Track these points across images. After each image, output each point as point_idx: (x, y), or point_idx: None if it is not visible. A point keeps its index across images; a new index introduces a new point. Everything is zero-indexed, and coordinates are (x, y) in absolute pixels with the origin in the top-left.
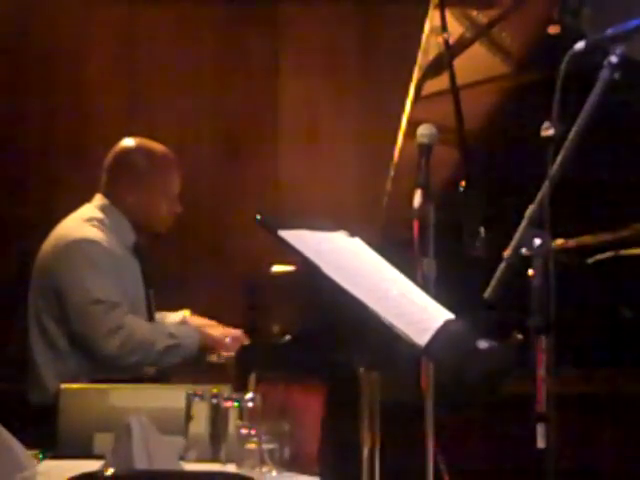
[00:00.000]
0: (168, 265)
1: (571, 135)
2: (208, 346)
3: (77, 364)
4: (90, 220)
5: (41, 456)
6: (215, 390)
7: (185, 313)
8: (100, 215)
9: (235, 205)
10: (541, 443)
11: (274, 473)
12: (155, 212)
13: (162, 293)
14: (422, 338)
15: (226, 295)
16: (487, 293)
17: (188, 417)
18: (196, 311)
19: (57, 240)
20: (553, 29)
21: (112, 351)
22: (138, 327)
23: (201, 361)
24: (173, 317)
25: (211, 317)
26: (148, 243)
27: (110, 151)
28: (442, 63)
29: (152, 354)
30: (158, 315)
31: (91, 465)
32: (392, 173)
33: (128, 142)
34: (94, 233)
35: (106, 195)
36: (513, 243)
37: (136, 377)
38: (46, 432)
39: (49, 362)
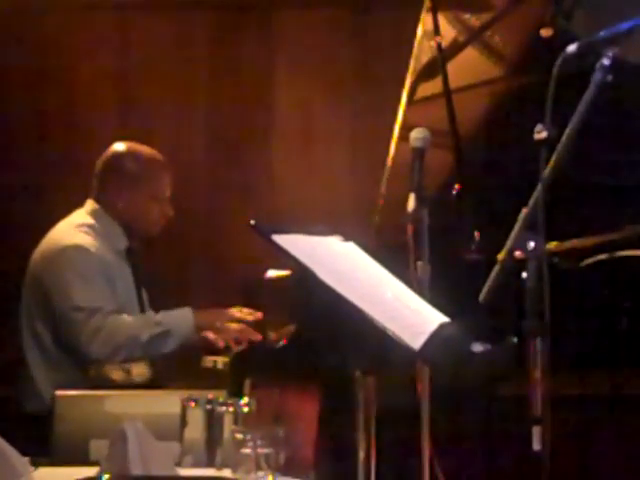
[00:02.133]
0: (163, 270)
1: (564, 137)
2: (205, 326)
3: (69, 370)
4: (80, 226)
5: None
6: (210, 396)
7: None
8: (90, 221)
9: (230, 209)
10: (537, 445)
11: (269, 478)
12: (146, 215)
13: (158, 298)
14: (416, 342)
15: (222, 300)
16: (482, 296)
17: (183, 423)
18: None
19: (47, 246)
20: (546, 32)
21: (95, 354)
22: (119, 325)
23: (196, 367)
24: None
25: None
26: (142, 247)
27: (100, 156)
28: (435, 67)
29: (138, 347)
30: None
31: (87, 472)
32: (386, 177)
33: (116, 146)
34: (83, 239)
35: (97, 200)
36: (507, 246)
37: (129, 383)
38: (41, 439)
39: (42, 368)
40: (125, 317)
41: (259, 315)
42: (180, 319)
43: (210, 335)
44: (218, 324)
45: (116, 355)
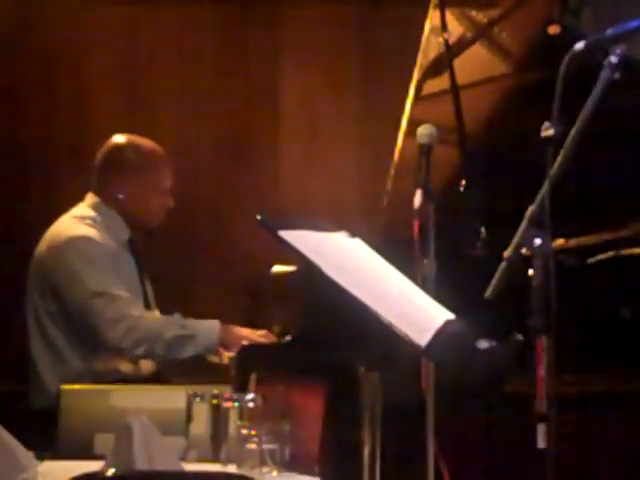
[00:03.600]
0: (169, 265)
1: (571, 135)
2: (229, 342)
3: (76, 364)
4: (83, 218)
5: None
6: (216, 391)
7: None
8: (92, 213)
9: (236, 205)
10: (541, 443)
11: (274, 473)
12: (146, 207)
13: (164, 293)
14: (422, 338)
15: (227, 295)
16: (487, 293)
17: (189, 418)
18: (197, 312)
19: (51, 240)
20: (553, 29)
21: (116, 342)
22: (144, 318)
23: (201, 362)
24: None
25: (212, 317)
26: (144, 239)
27: (99, 149)
28: (442, 63)
29: (160, 344)
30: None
31: (92, 466)
32: (392, 173)
33: (116, 139)
34: (87, 230)
35: (97, 193)
36: (513, 243)
37: (135, 378)
38: (47, 433)
39: (49, 363)
40: (152, 313)
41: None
42: (207, 328)
43: (214, 358)
44: (244, 343)
45: (137, 348)
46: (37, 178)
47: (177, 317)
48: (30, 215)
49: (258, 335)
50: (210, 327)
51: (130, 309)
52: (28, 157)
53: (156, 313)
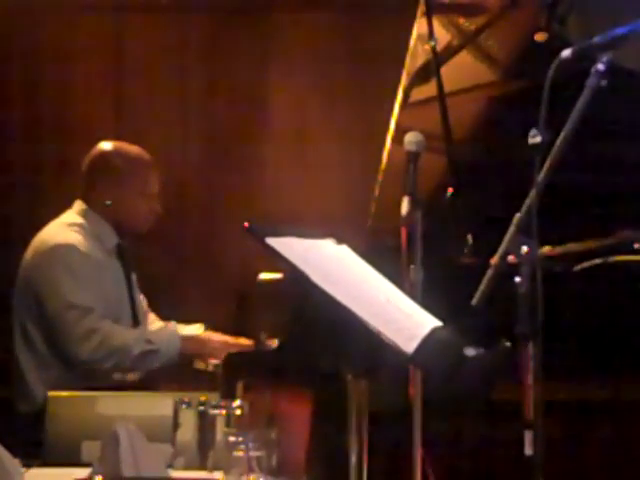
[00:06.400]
0: (157, 272)
1: (558, 142)
2: (190, 352)
3: (60, 371)
4: (71, 225)
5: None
6: (203, 398)
7: (199, 327)
8: (80, 220)
9: (224, 211)
10: (528, 450)
11: None
12: (134, 213)
13: (151, 300)
14: (410, 345)
15: (215, 302)
16: (475, 300)
17: (176, 425)
18: (185, 318)
19: (37, 246)
20: (540, 37)
21: (86, 356)
22: (114, 332)
23: (188, 369)
24: (188, 330)
25: (200, 323)
26: (132, 245)
27: (86, 156)
28: (429, 70)
29: (128, 359)
30: (171, 325)
31: (79, 473)
32: (380, 180)
33: (103, 145)
34: (74, 238)
35: (85, 200)
36: (500, 250)
37: (121, 385)
38: (33, 437)
39: (34, 369)
40: (119, 327)
41: (246, 343)
42: (169, 342)
43: (200, 365)
44: (206, 351)
45: (106, 361)
46: (22, 186)
47: (143, 330)
48: (15, 221)
49: (218, 341)
50: (172, 341)
51: (102, 323)
52: (13, 163)
53: (124, 328)
